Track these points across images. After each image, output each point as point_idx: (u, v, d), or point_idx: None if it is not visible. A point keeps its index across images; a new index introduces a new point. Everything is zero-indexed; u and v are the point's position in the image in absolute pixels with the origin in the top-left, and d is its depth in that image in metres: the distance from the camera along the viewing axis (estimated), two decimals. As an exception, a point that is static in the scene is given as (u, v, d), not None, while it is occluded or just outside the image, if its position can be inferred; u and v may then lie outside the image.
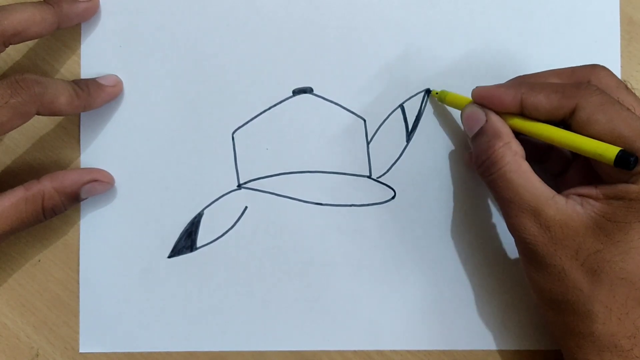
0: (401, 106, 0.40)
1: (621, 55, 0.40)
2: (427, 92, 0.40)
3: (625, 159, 0.31)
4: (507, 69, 0.40)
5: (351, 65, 0.40)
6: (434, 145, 0.40)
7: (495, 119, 0.35)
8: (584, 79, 0.35)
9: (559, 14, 0.40)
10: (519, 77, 0.37)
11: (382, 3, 0.41)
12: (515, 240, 0.35)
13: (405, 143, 0.40)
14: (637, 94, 0.40)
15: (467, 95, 0.37)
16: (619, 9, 0.40)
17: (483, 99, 0.36)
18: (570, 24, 0.40)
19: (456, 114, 0.40)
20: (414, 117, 0.40)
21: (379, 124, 0.40)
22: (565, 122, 0.34)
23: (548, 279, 0.33)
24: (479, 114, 0.36)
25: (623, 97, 0.34)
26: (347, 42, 0.41)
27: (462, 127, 0.39)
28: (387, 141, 0.40)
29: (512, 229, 0.34)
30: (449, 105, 0.40)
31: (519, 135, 0.35)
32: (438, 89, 0.40)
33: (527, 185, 0.33)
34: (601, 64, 0.36)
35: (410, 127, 0.40)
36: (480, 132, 0.36)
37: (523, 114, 0.35)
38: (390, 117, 0.40)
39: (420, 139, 0.40)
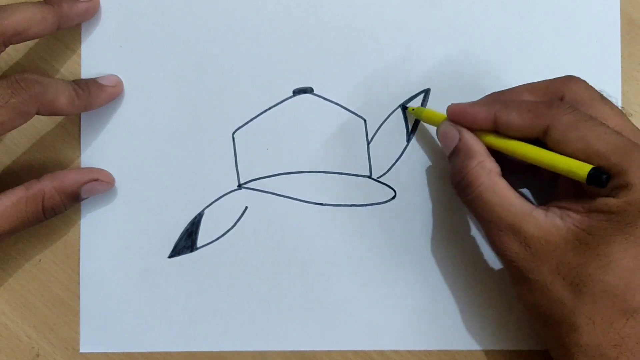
0: (401, 106, 0.40)
1: (621, 56, 0.40)
2: (427, 92, 0.40)
3: (597, 177, 0.31)
4: (507, 69, 0.40)
5: (351, 65, 0.40)
6: (434, 145, 0.40)
7: (468, 137, 0.35)
8: (558, 93, 0.35)
9: (559, 14, 0.40)
10: (493, 93, 0.37)
11: (382, 3, 0.41)
12: (499, 259, 0.35)
13: (406, 143, 0.40)
14: (637, 94, 0.40)
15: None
16: (619, 9, 0.40)
17: (457, 117, 0.36)
18: (570, 24, 0.40)
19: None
20: (414, 117, 0.40)
21: (380, 124, 0.40)
22: (539, 140, 0.34)
23: (532, 293, 0.33)
24: (453, 132, 0.36)
25: (599, 108, 0.34)
26: (348, 42, 0.41)
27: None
28: (388, 141, 0.40)
29: (494, 247, 0.34)
30: (425, 122, 0.40)
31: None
32: (438, 91, 0.40)
33: (504, 203, 0.33)
34: (576, 75, 0.35)
35: (410, 127, 0.40)
36: (455, 152, 0.36)
37: (497, 131, 0.35)
38: (390, 117, 0.40)
39: (421, 139, 0.40)
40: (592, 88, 0.35)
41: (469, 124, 0.36)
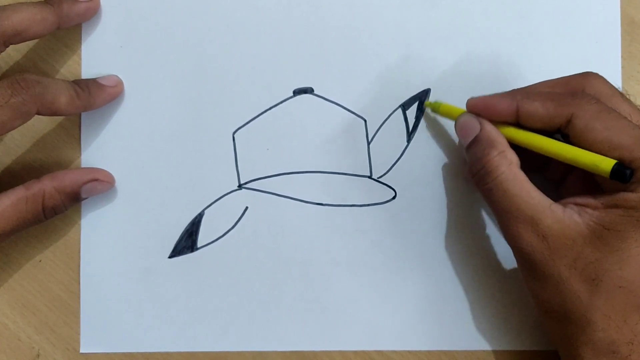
0: (402, 106, 0.40)
1: (622, 56, 0.40)
2: (427, 92, 0.40)
3: (621, 172, 0.31)
4: (507, 69, 0.40)
5: (352, 65, 0.40)
6: (435, 145, 0.40)
7: (489, 128, 0.35)
8: (578, 88, 0.35)
9: (560, 14, 0.40)
10: (514, 89, 0.37)
11: (382, 4, 0.41)
12: (513, 251, 0.35)
13: (406, 143, 0.40)
14: (638, 95, 0.40)
15: (464, 98, 0.37)
16: (619, 9, 0.40)
17: (477, 108, 0.36)
18: (570, 25, 0.40)
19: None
20: (415, 117, 0.40)
21: (380, 124, 0.40)
22: (561, 131, 0.34)
23: (546, 288, 0.33)
24: (474, 122, 0.36)
25: (618, 104, 0.34)
26: (348, 42, 0.41)
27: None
28: (388, 141, 0.40)
29: (509, 239, 0.34)
30: (443, 116, 0.39)
31: (516, 145, 0.35)
32: (438, 91, 0.40)
33: (524, 194, 0.33)
34: (595, 72, 0.35)
35: (410, 127, 0.40)
36: (475, 141, 0.35)
37: (519, 123, 0.35)
38: (390, 117, 0.40)
39: (421, 139, 0.40)
40: (611, 84, 0.35)
41: (490, 116, 0.35)
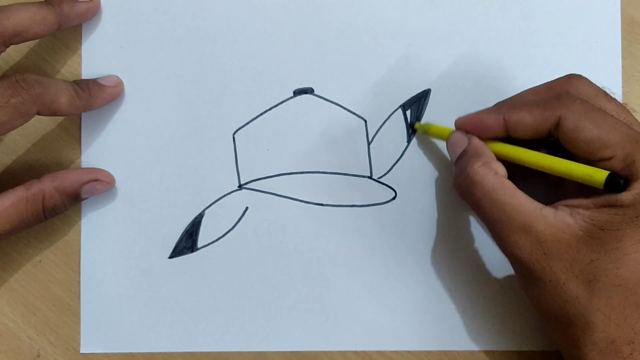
0: (402, 106, 0.40)
1: (622, 56, 0.40)
2: (427, 92, 0.40)
3: (615, 182, 0.31)
4: (507, 70, 0.40)
5: (352, 65, 0.40)
6: (435, 145, 0.40)
7: (476, 142, 0.35)
8: (562, 92, 0.35)
9: (560, 14, 0.40)
10: (498, 102, 0.37)
11: (383, 4, 0.41)
12: (508, 259, 0.34)
13: (406, 143, 0.40)
14: (638, 95, 0.40)
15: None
16: (620, 9, 0.40)
17: (466, 126, 0.36)
18: (571, 25, 0.40)
19: (458, 114, 0.40)
20: (415, 118, 0.40)
21: (380, 125, 0.40)
22: (552, 136, 0.34)
23: (545, 293, 0.33)
24: (462, 138, 0.36)
25: (603, 104, 0.34)
26: (348, 42, 0.41)
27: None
28: (388, 142, 0.40)
29: (504, 248, 0.34)
30: (434, 137, 0.40)
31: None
32: (438, 91, 0.40)
33: (514, 202, 0.33)
34: (577, 73, 0.35)
35: (411, 127, 0.40)
36: (462, 155, 0.36)
37: (509, 136, 0.35)
38: (391, 117, 0.40)
39: (421, 139, 0.40)
40: (595, 85, 0.35)
41: (479, 132, 0.36)
